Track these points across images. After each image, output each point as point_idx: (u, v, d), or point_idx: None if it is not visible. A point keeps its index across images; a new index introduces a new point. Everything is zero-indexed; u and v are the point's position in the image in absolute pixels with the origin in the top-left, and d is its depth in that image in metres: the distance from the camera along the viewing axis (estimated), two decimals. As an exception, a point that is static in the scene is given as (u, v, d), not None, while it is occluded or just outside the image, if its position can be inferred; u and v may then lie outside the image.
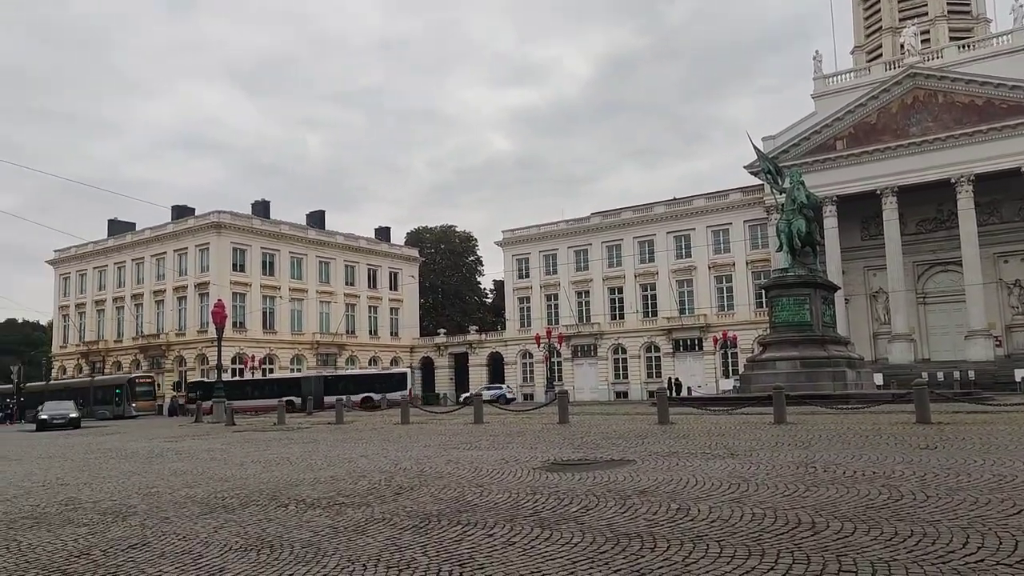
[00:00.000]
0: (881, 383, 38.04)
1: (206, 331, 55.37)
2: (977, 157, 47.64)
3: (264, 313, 61.80)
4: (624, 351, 62.28)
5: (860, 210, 53.25)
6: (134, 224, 69.43)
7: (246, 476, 11.39)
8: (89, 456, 16.82)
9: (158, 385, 56.69)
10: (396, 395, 44.43)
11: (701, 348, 58.76)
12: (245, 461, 13.84)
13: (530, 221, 69.67)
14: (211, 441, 20.18)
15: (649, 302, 62.25)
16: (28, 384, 60.97)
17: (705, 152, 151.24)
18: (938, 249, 51.98)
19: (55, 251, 72.82)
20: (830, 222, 50.92)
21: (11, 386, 58.62)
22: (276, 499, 8.84)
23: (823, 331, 30.71)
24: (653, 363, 61.13)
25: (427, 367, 73.63)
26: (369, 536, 6.47)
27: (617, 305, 63.48)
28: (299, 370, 61.65)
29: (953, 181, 48.29)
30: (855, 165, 51.52)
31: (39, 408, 37.39)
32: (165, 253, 63.41)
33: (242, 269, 60.89)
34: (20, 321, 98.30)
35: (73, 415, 35.56)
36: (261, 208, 67.46)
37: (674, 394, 41.21)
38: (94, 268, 69.54)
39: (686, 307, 60.34)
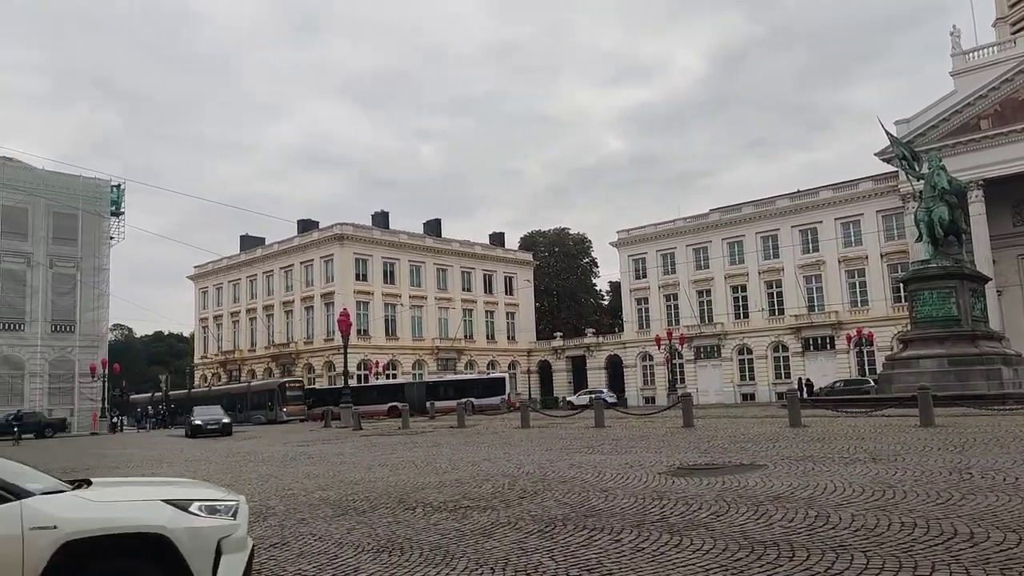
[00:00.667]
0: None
1: (332, 339, 57.72)
2: None
3: (386, 320, 63.82)
4: (750, 351, 60.09)
5: (1011, 193, 49.02)
6: (264, 239, 73.28)
7: (374, 479, 11.73)
8: (229, 459, 17.86)
9: (304, 388, 55.90)
10: (495, 400, 44.68)
11: (833, 347, 55.84)
12: (372, 464, 14.28)
13: (645, 220, 68.53)
14: (340, 445, 20.98)
15: (775, 300, 59.75)
16: (180, 391, 63.03)
17: (828, 141, 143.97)
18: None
19: (194, 267, 77.69)
20: (976, 208, 47.00)
21: (159, 393, 62.61)
22: (404, 502, 9.04)
23: (973, 326, 28.40)
24: (781, 363, 58.63)
25: (544, 370, 73.80)
26: (495, 539, 6.48)
27: (741, 304, 61.35)
28: (421, 375, 63.31)
29: None
30: (1003, 145, 47.50)
31: (189, 414, 36.95)
32: (292, 265, 66.55)
33: (364, 278, 63.10)
34: (166, 333, 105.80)
35: (225, 420, 34.04)
36: (381, 219, 69.80)
37: (805, 395, 39.22)
38: (229, 282, 73.63)
39: (815, 304, 57.54)
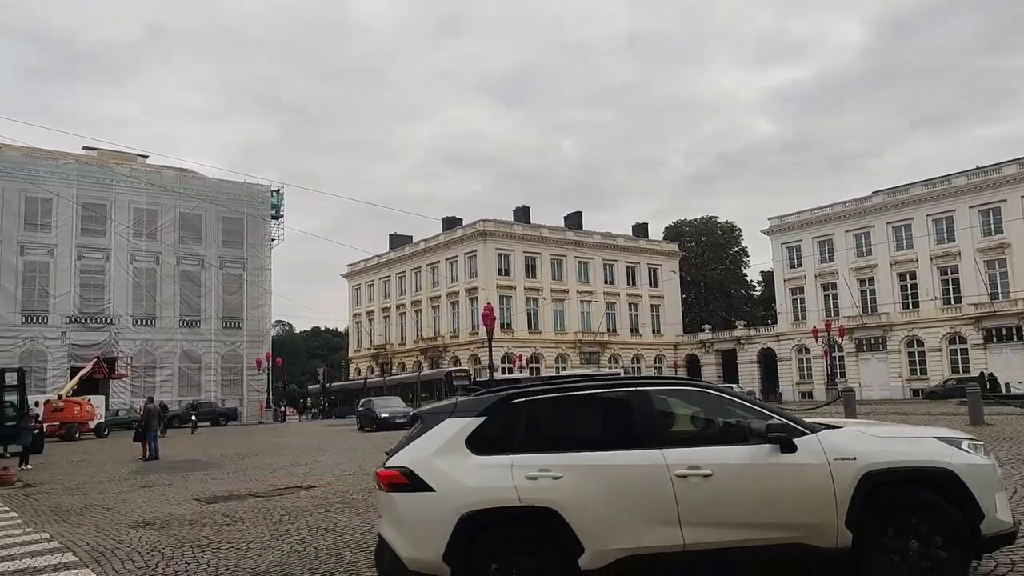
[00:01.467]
0: None
1: (477, 333, 58.92)
2: None
3: (529, 314, 64.40)
4: (920, 343, 55.53)
5: None
6: (411, 237, 76.14)
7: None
8: (387, 446, 18.38)
9: (471, 379, 56.71)
10: None
11: (1020, 338, 50.58)
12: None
13: (799, 206, 64.97)
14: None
15: (950, 287, 54.79)
16: (353, 382, 65.36)
17: (1013, 112, 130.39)
18: None
19: (348, 265, 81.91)
20: None
21: (335, 384, 65.31)
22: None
23: None
24: (959, 356, 53.73)
25: (692, 365, 71.86)
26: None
27: (909, 292, 56.81)
28: (563, 369, 63.46)
29: None
30: None
31: (357, 405, 37.15)
32: (438, 262, 68.62)
33: (507, 273, 64.01)
34: (323, 329, 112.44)
35: (412, 412, 37.38)
36: (522, 214, 70.51)
37: (987, 391, 35.76)
38: (380, 279, 77.14)
39: (999, 291, 52.27)
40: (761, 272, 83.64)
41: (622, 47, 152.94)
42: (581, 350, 66.01)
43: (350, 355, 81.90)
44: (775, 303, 67.32)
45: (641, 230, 77.08)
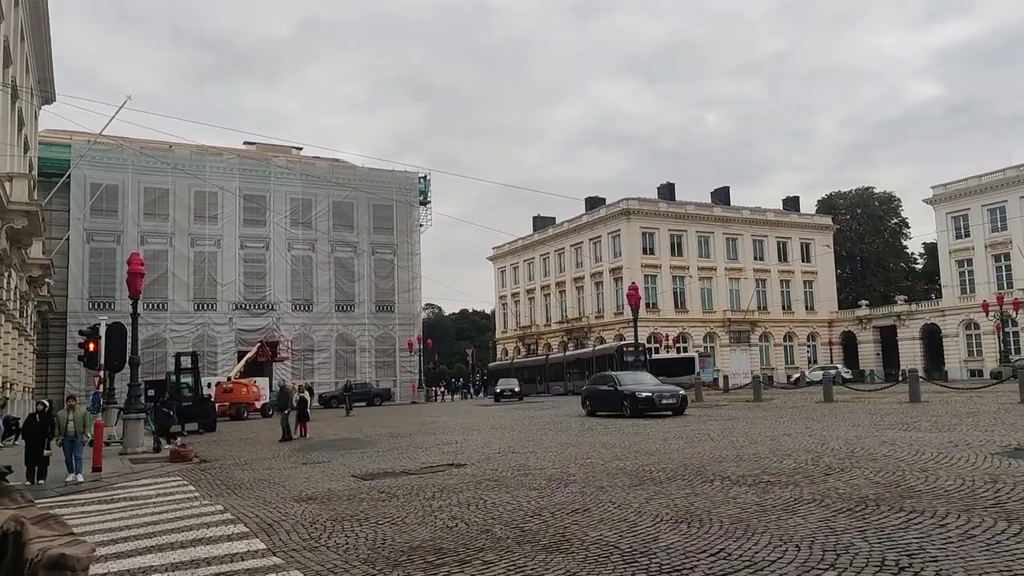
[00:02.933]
0: None
1: (622, 313, 58.77)
2: None
3: (675, 293, 63.35)
4: (1113, 316, 50.15)
5: None
6: (554, 218, 76.71)
7: (670, 451, 11.98)
8: (531, 428, 19.24)
9: (646, 355, 49.47)
10: (686, 379, 40.16)
11: None
12: (668, 437, 14.54)
13: (967, 172, 59.80)
14: (628, 419, 21.41)
15: None
16: (535, 358, 64.24)
17: None
18: None
19: (493, 248, 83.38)
20: None
21: (533, 357, 64.79)
22: (701, 474, 9.18)
23: None
24: None
25: (849, 342, 68.11)
26: (799, 516, 6.39)
27: (1095, 260, 51.31)
28: (711, 348, 62.25)
29: None
30: None
31: (593, 383, 38.39)
32: (581, 243, 68.64)
33: (651, 252, 63.21)
34: (470, 311, 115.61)
35: (517, 389, 43.00)
36: (666, 191, 69.27)
37: None
38: (524, 261, 78.17)
39: None
40: (923, 244, 77.93)
41: (773, 12, 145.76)
42: (730, 329, 64.41)
43: (497, 336, 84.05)
44: (939, 276, 62.59)
45: (792, 204, 73.72)
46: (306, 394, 21.79)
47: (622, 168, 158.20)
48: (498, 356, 79.99)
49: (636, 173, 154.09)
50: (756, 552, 5.30)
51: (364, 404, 43.56)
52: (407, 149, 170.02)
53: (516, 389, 43.20)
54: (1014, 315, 51.03)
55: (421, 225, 56.32)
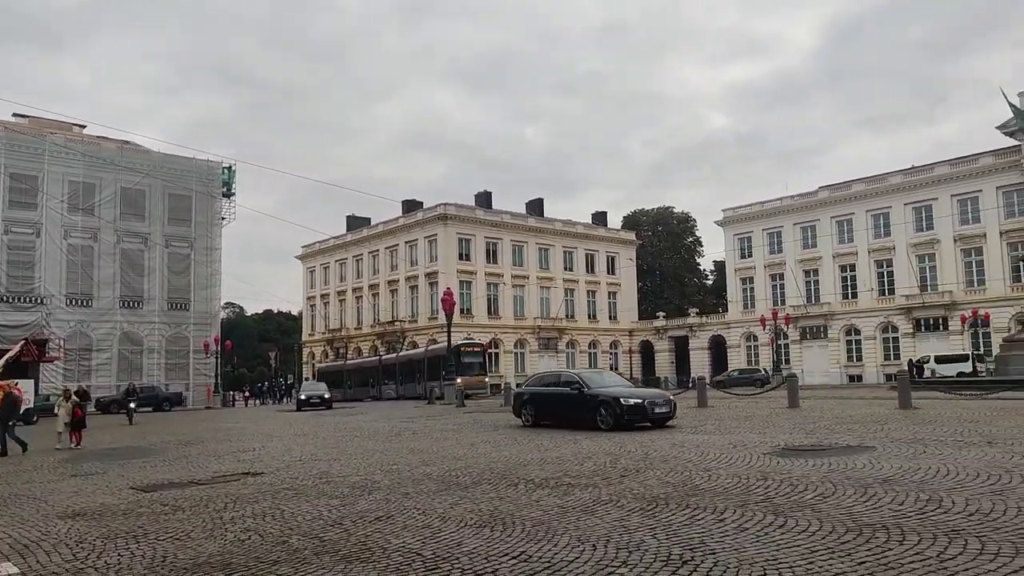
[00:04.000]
0: None
1: (436, 318, 58.91)
2: None
3: (489, 299, 64.62)
4: (857, 332, 57.60)
5: None
6: (369, 219, 75.43)
7: (477, 456, 12.08)
8: (336, 434, 18.65)
9: (486, 356, 47.50)
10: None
11: (946, 327, 52.85)
12: (475, 441, 14.68)
13: (751, 199, 66.38)
14: (443, 422, 21.57)
15: (885, 279, 56.96)
16: (351, 362, 61.56)
17: (948, 116, 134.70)
18: None
19: (303, 247, 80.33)
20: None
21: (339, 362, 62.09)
22: (506, 478, 9.30)
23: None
24: (891, 344, 55.97)
25: (647, 350, 73.06)
26: (597, 517, 6.63)
27: (849, 283, 58.79)
28: (522, 354, 64.24)
29: None
30: None
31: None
32: (397, 245, 68.03)
33: (467, 258, 64.05)
34: (276, 312, 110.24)
35: (327, 396, 38.01)
36: (484, 199, 70.57)
37: (915, 377, 37.46)
38: (336, 261, 75.93)
39: (928, 283, 54.49)
40: (714, 261, 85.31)
41: (593, 38, 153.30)
42: (540, 336, 66.61)
43: (304, 339, 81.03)
44: (726, 292, 68.72)
45: (600, 218, 77.77)
46: (75, 399, 18.99)
47: (444, 173, 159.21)
48: (304, 359, 77.16)
49: (457, 179, 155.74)
50: (556, 553, 5.41)
51: (150, 409, 40.20)
52: (216, 138, 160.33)
53: (325, 395, 38.11)
54: (785, 329, 57.40)
55: (223, 218, 52.93)
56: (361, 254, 72.48)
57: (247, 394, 60.54)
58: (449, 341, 38.88)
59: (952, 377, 37.28)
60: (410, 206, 70.37)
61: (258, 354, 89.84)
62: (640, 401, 15.98)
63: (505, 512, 7.05)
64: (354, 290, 73.17)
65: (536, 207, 73.25)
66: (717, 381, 49.96)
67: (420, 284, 64.87)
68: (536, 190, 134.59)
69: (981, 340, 49.09)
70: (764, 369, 53.39)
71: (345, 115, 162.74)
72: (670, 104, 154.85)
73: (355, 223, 76.13)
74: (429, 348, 50.32)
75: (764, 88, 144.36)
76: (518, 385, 19.00)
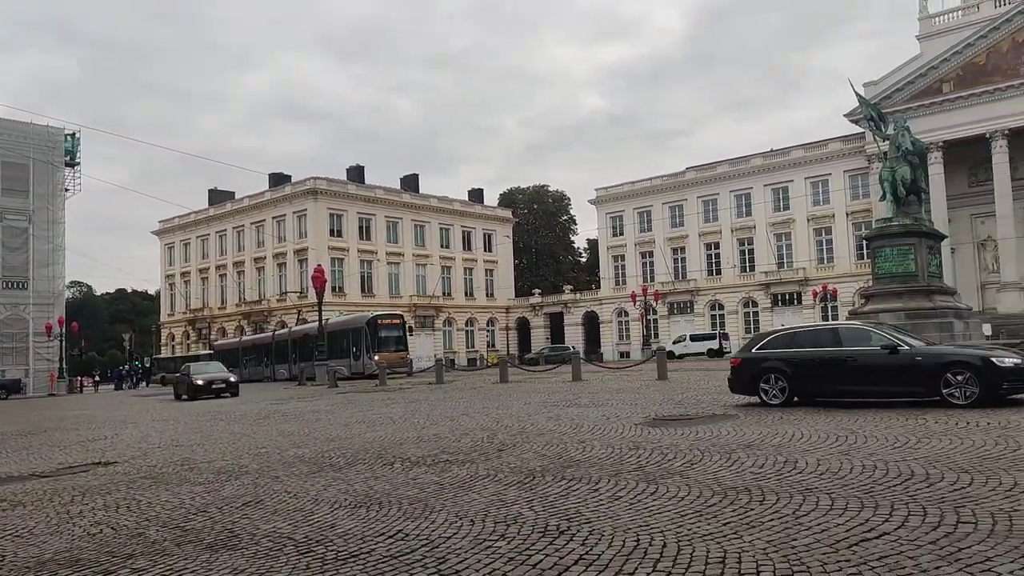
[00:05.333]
0: (990, 333, 35.94)
1: (307, 296, 57.28)
2: (1094, 94, 44.11)
3: (362, 277, 63.38)
4: (721, 307, 60.96)
5: (967, 155, 49.98)
6: (233, 193, 72.00)
7: (351, 436, 11.82)
8: (200, 419, 17.74)
9: (405, 329, 43.42)
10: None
11: (800, 302, 56.93)
12: (350, 421, 14.36)
13: (624, 179, 68.45)
14: (316, 403, 21.01)
15: (746, 257, 60.56)
16: (229, 341, 57.45)
17: (805, 102, 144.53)
18: (1051, 193, 48.54)
19: (160, 221, 75.71)
20: (935, 169, 47.75)
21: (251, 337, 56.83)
22: (382, 457, 9.14)
23: (929, 281, 29.17)
24: (751, 318, 59.66)
25: (523, 327, 74.23)
26: (475, 492, 6.61)
27: (713, 261, 62.06)
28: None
29: (1068, 121, 44.91)
30: (963, 108, 48.29)
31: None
32: (264, 220, 65.41)
33: (339, 234, 62.49)
34: (130, 291, 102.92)
35: (232, 379, 27.94)
36: (356, 173, 68.89)
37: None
38: (197, 237, 72.19)
39: (784, 261, 58.45)
40: (587, 239, 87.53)
41: (462, 11, 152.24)
42: (416, 313, 66.11)
43: (162, 319, 76.60)
44: (599, 269, 70.75)
45: (477, 196, 77.90)
46: None
47: (314, 146, 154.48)
48: (163, 341, 73.03)
49: (327, 151, 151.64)
50: (433, 530, 5.34)
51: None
52: (56, 102, 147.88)
53: (231, 379, 27.97)
54: (655, 305, 59.90)
55: (67, 190, 49.08)
56: (225, 230, 69.16)
57: (97, 379, 56.78)
58: (320, 320, 37.31)
59: (703, 354, 41.20)
60: (277, 179, 67.82)
61: (110, 336, 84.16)
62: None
63: (381, 491, 6.91)
64: (217, 267, 69.82)
65: (411, 183, 72.43)
66: (528, 359, 52.04)
67: (289, 261, 62.79)
68: (410, 165, 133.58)
69: (830, 313, 53.12)
70: (572, 346, 57.62)
71: (205, 82, 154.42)
72: (544, 83, 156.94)
73: (218, 197, 72.52)
74: (340, 319, 46.07)
75: (636, 71, 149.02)
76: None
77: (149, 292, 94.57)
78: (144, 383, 51.42)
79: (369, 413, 16.00)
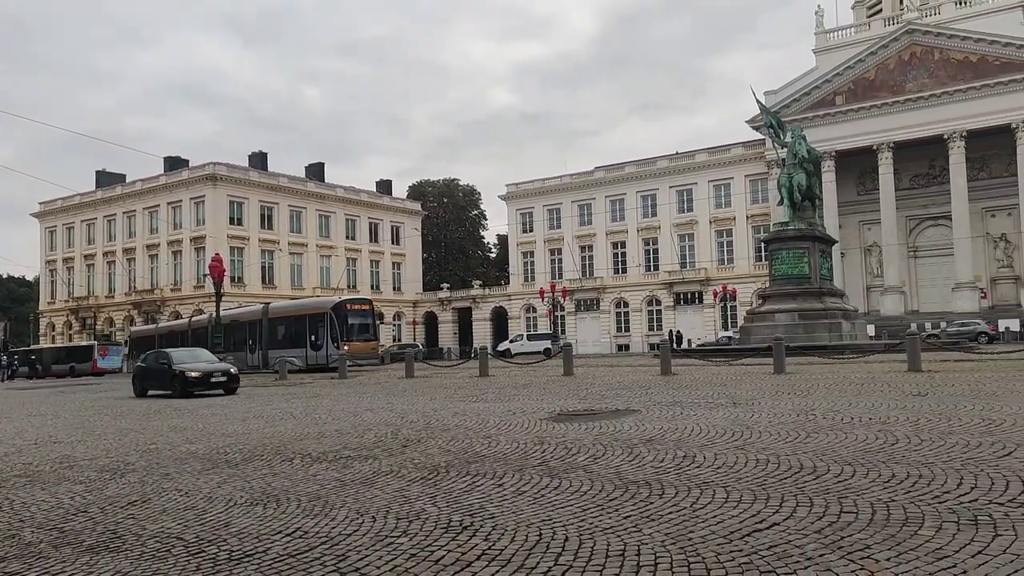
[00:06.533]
0: (873, 334, 38.49)
1: (203, 286, 55.17)
2: (970, 113, 47.98)
3: (263, 267, 61.59)
4: (626, 304, 62.53)
5: (857, 165, 53.23)
6: (124, 176, 68.50)
7: (249, 431, 11.42)
8: (82, 414, 16.69)
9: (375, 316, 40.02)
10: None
11: (701, 301, 59.02)
12: (247, 416, 13.88)
13: (535, 175, 69.20)
14: (209, 398, 20.20)
15: (651, 256, 62.32)
16: (147, 327, 51.70)
17: (710, 107, 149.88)
18: (929, 204, 52.44)
19: (40, 203, 71.27)
20: (828, 177, 50.90)
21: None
22: (281, 453, 8.87)
23: (820, 283, 30.91)
24: (655, 316, 61.42)
25: (430, 322, 73.83)
26: (377, 488, 6.49)
27: (620, 259, 63.57)
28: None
29: (946, 137, 48.64)
30: (853, 120, 51.41)
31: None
32: (158, 206, 62.47)
33: (239, 222, 60.41)
34: (4, 276, 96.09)
35: (233, 370, 21.86)
36: (259, 160, 66.73)
37: (675, 346, 41.58)
38: (82, 221, 68.31)
39: (687, 261, 60.44)
40: (497, 235, 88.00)
41: (375, 2, 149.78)
42: (318, 307, 64.65)
43: (42, 308, 72.01)
44: (508, 265, 71.18)
45: (385, 187, 76.93)
46: None
47: (214, 131, 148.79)
48: (42, 330, 68.58)
49: (229, 138, 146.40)
50: (334, 527, 5.21)
51: None
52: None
53: (232, 370, 21.72)
54: (562, 301, 60.85)
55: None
56: (114, 214, 65.70)
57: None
58: (218, 311, 35.52)
59: (540, 353, 42.95)
60: (174, 163, 64.99)
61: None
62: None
63: (279, 488, 6.70)
64: (105, 254, 66.24)
65: (316, 171, 70.82)
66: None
67: (185, 249, 60.29)
68: (317, 154, 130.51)
69: (730, 312, 55.30)
70: (420, 344, 60.59)
71: (97, 58, 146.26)
72: (456, 77, 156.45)
73: (107, 179, 68.79)
74: (303, 302, 42.82)
75: (547, 69, 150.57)
76: None
77: (27, 278, 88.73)
78: (5, 375, 47.54)
79: (268, 408, 15.52)
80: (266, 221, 62.18)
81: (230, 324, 40.89)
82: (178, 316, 56.21)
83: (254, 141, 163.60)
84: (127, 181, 66.93)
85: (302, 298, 52.93)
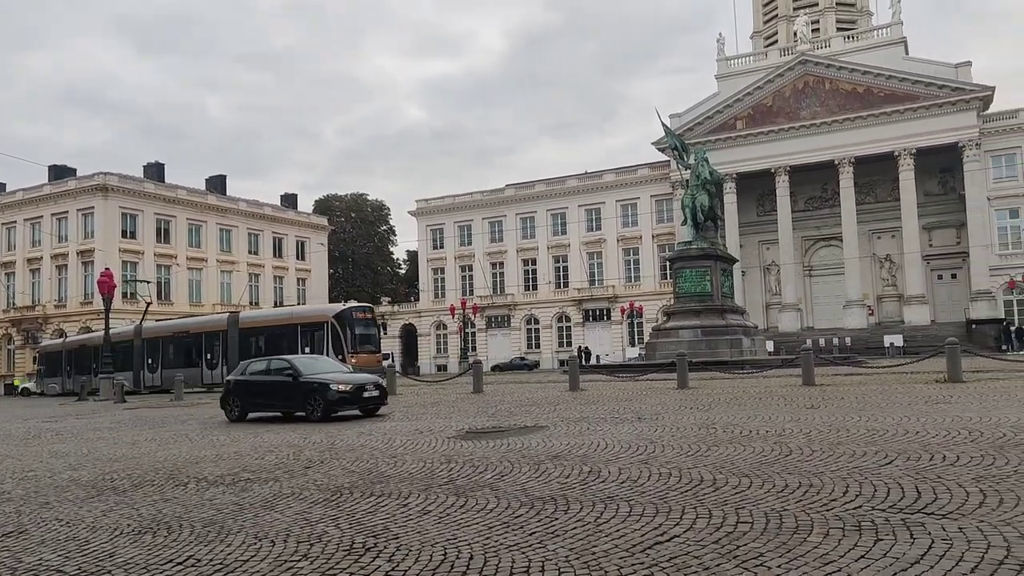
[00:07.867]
0: (772, 349, 40.14)
1: (91, 302, 52.23)
2: (857, 141, 50.92)
3: (160, 283, 58.77)
4: (537, 321, 63.06)
5: (757, 187, 55.66)
6: (4, 185, 64.17)
7: (139, 455, 10.84)
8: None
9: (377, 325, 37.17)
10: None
11: (609, 318, 60.17)
12: (138, 440, 13.18)
13: (446, 192, 69.00)
14: (97, 420, 19.05)
15: (561, 273, 63.15)
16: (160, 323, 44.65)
17: (620, 128, 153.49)
18: (822, 225, 55.29)
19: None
20: (729, 198, 53.12)
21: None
22: (174, 478, 8.46)
23: (722, 301, 32.04)
24: (564, 333, 62.18)
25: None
26: (277, 511, 6.28)
27: (530, 276, 64.13)
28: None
29: (836, 162, 51.49)
30: (752, 144, 53.79)
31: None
32: (41, 217, 58.41)
33: (133, 236, 57.39)
34: None
35: (382, 382, 17.03)
36: (155, 171, 63.90)
37: (584, 362, 42.18)
38: (-46, 233, 63.91)
39: (596, 278, 61.58)
40: (407, 251, 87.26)
41: (281, 11, 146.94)
42: (219, 323, 62.29)
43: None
44: (418, 281, 70.66)
45: (290, 201, 75.13)
46: None
47: (106, 139, 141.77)
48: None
49: (124, 147, 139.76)
50: (229, 553, 5.00)
51: None
52: None
53: (381, 382, 16.50)
54: (473, 318, 60.77)
55: None
56: (-8, 226, 61.48)
57: None
58: (107, 330, 33.46)
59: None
60: (60, 172, 61.45)
61: None
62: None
63: (171, 515, 6.37)
64: (-21, 268, 61.81)
65: (218, 184, 68.48)
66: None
67: (71, 264, 57.02)
68: (218, 166, 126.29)
69: (636, 329, 56.55)
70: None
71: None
72: (366, 91, 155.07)
73: (-17, 190, 64.30)
74: (296, 312, 39.32)
75: (458, 86, 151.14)
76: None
77: None
78: None
79: (161, 431, 14.79)
80: (162, 235, 59.50)
81: (176, 335, 38.73)
82: (63, 335, 52.94)
83: (152, 152, 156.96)
84: (6, 190, 62.85)
85: (203, 315, 51.02)
